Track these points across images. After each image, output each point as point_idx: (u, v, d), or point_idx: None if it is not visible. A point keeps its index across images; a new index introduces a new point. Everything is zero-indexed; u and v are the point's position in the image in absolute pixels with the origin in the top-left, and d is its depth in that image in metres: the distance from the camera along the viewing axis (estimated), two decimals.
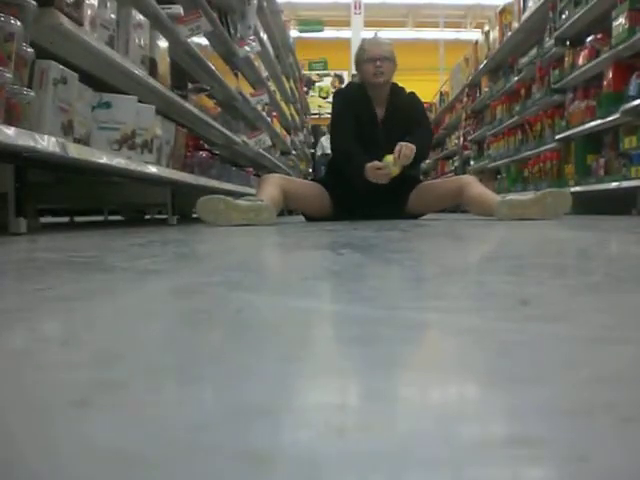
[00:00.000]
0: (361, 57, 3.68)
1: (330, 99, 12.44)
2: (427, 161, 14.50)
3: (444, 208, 4.04)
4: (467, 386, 0.37)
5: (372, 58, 3.59)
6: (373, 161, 3.35)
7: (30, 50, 2.11)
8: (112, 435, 0.28)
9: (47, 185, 3.57)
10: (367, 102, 3.64)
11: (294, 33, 13.68)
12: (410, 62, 19.26)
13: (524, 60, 7.32)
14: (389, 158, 3.28)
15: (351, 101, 3.65)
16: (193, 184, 4.04)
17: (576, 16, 5.52)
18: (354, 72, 4.12)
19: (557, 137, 6.18)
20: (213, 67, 4.91)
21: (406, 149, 3.32)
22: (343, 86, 4.09)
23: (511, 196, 3.35)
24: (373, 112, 3.62)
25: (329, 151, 3.90)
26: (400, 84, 3.84)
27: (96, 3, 2.65)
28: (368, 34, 17.43)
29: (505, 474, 0.25)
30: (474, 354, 0.44)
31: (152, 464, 0.25)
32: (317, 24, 16.71)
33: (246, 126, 6.93)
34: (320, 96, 19.26)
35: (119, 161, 2.75)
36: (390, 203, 3.53)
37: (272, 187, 3.37)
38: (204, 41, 4.82)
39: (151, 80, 3.35)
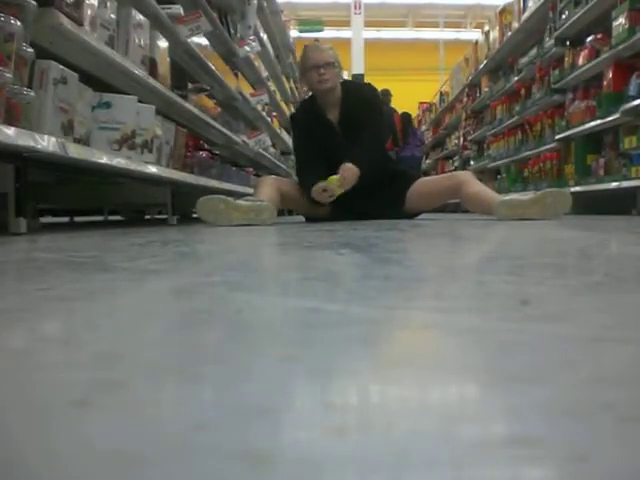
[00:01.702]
0: (304, 65, 3.66)
1: None
2: (427, 161, 14.52)
3: (442, 204, 4.04)
4: (467, 386, 0.37)
5: (315, 65, 3.56)
6: (330, 172, 3.40)
7: (30, 50, 2.11)
8: (112, 435, 0.28)
9: (47, 185, 3.57)
10: (320, 113, 3.64)
11: (294, 33, 13.67)
12: (410, 62, 19.38)
13: (524, 60, 7.32)
14: (333, 179, 3.28)
15: (306, 121, 3.66)
16: (193, 184, 4.05)
17: (576, 16, 5.53)
18: (299, 84, 4.20)
19: (557, 137, 6.18)
20: (213, 67, 4.91)
21: (349, 173, 3.36)
22: (295, 110, 4.06)
23: (511, 196, 3.34)
24: (327, 120, 3.62)
25: None
26: (351, 79, 3.82)
27: (96, 3, 2.65)
28: (368, 34, 17.30)
29: (505, 474, 0.25)
30: (474, 354, 0.44)
31: (152, 464, 0.25)
32: (317, 24, 16.70)
33: (246, 126, 6.93)
34: None
35: (119, 161, 2.75)
36: (387, 202, 3.55)
37: (269, 188, 3.39)
38: (204, 41, 4.82)
39: (151, 80, 3.35)
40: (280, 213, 3.80)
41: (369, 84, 3.84)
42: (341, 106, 3.64)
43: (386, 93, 8.72)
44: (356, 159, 3.41)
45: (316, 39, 4.19)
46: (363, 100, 3.66)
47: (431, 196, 3.62)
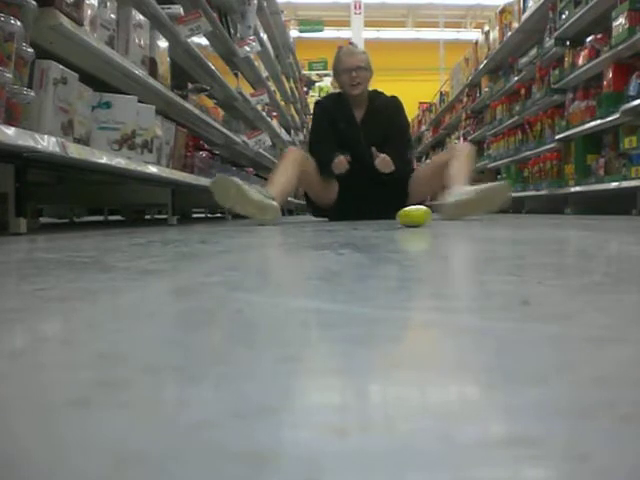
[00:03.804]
0: (337, 68, 3.86)
1: None
2: (427, 161, 14.50)
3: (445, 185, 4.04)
4: (467, 386, 0.37)
5: (348, 69, 3.76)
6: (352, 160, 3.61)
7: (30, 50, 2.11)
8: (112, 435, 0.28)
9: (47, 185, 3.58)
10: (345, 106, 3.85)
11: (294, 33, 13.69)
12: (410, 62, 19.39)
13: (524, 60, 7.32)
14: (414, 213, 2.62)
15: (329, 109, 3.86)
16: (193, 184, 4.05)
17: (576, 16, 5.53)
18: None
19: (557, 137, 6.19)
20: (213, 67, 4.91)
21: (384, 161, 3.56)
22: (321, 98, 4.36)
23: (456, 196, 3.25)
24: (352, 115, 3.83)
25: None
26: (380, 89, 4.05)
27: (96, 3, 2.65)
28: (368, 34, 17.33)
29: (505, 474, 0.25)
30: (474, 354, 0.44)
31: (152, 464, 0.25)
32: (317, 24, 16.72)
33: (246, 126, 6.93)
34: (320, 96, 19.24)
35: (119, 161, 2.75)
36: (391, 198, 3.63)
37: (291, 170, 3.45)
38: (204, 41, 4.82)
39: (151, 80, 3.35)
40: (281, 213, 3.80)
41: (395, 97, 4.03)
42: (367, 107, 3.86)
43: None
44: (390, 156, 3.57)
45: (350, 42, 4.57)
46: (392, 109, 3.89)
47: (433, 175, 3.68)
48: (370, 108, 3.85)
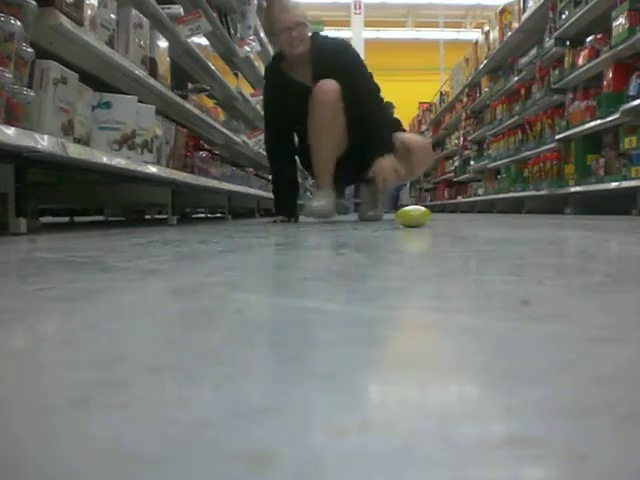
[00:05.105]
0: (273, 27, 3.39)
1: None
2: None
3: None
4: (467, 386, 0.37)
5: (287, 27, 3.31)
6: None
7: (30, 50, 2.11)
8: (112, 435, 0.28)
9: (47, 185, 3.58)
10: (288, 78, 3.43)
11: None
12: (410, 62, 19.37)
13: (524, 60, 7.33)
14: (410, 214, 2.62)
15: (277, 89, 3.46)
16: (193, 184, 4.05)
17: (576, 16, 5.53)
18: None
19: (557, 137, 6.19)
20: (213, 67, 4.91)
21: (385, 170, 3.24)
22: (272, 63, 3.68)
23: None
24: (298, 84, 3.40)
25: None
26: (324, 34, 3.58)
27: (96, 3, 2.65)
28: (368, 34, 17.26)
29: (505, 474, 0.25)
30: (474, 354, 0.44)
31: (152, 464, 0.25)
32: (317, 24, 16.70)
33: (246, 126, 6.93)
34: None
35: (119, 161, 2.75)
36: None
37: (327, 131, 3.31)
38: (204, 41, 4.83)
39: (151, 80, 3.35)
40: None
41: (341, 39, 3.61)
42: (312, 63, 3.38)
43: (389, 106, 8.57)
44: (378, 146, 3.25)
45: None
46: (340, 54, 3.41)
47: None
48: (316, 62, 3.34)
